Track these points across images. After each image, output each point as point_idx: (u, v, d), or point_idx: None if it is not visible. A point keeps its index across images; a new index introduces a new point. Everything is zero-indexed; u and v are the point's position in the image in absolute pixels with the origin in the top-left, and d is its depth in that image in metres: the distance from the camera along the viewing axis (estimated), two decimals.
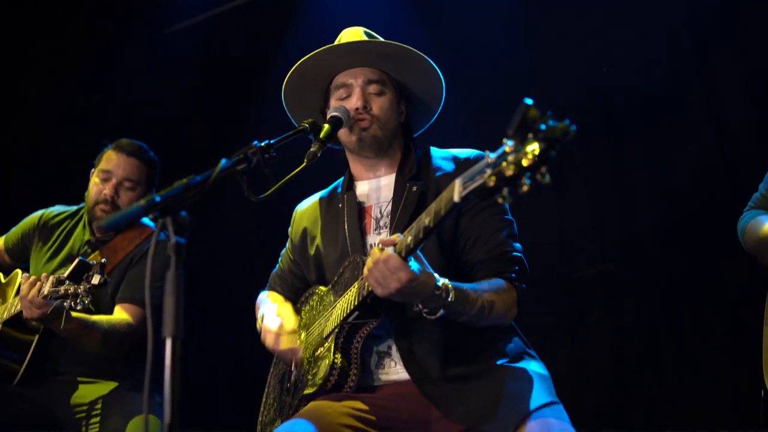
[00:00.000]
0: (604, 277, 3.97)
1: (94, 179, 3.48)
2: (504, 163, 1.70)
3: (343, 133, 2.60)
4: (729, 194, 3.55)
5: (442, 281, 2.22)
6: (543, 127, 1.63)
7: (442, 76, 2.69)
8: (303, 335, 2.66)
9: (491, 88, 4.20)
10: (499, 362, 2.42)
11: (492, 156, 1.75)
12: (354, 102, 2.59)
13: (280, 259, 2.91)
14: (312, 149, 2.41)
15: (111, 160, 3.45)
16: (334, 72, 2.67)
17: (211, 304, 4.72)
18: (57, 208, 3.64)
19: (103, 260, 2.83)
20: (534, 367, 2.45)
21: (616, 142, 4.04)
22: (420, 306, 2.27)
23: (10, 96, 5.30)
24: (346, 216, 2.62)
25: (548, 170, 1.65)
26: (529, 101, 1.65)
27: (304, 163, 2.38)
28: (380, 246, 2.19)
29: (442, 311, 2.26)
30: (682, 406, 3.71)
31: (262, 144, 2.14)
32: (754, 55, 3.74)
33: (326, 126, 2.47)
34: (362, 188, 2.69)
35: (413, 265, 2.16)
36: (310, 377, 2.50)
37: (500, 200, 1.74)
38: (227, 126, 4.95)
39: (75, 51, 5.21)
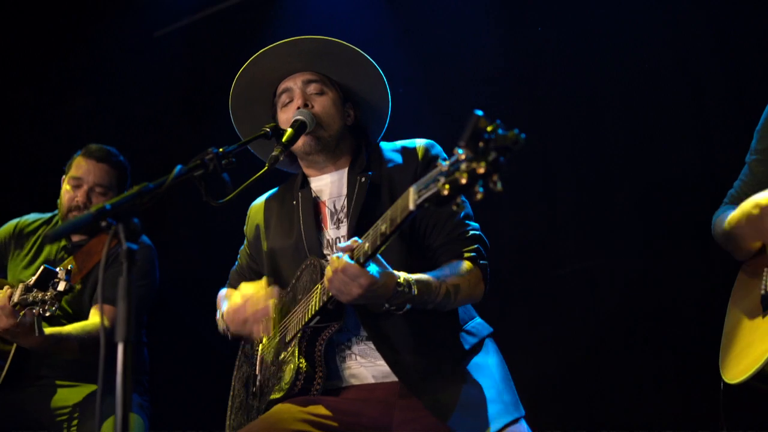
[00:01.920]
0: (583, 275, 3.98)
1: (66, 186, 3.50)
2: (457, 172, 1.74)
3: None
4: (709, 193, 3.55)
5: (402, 277, 2.28)
6: (493, 136, 1.67)
7: (382, 73, 2.69)
8: (264, 339, 2.69)
9: (474, 92, 4.20)
10: (463, 357, 2.50)
11: (444, 164, 1.79)
12: (295, 102, 2.62)
13: (238, 256, 2.95)
14: (274, 153, 2.43)
15: (81, 166, 3.48)
16: (276, 83, 2.70)
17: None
18: (32, 216, 3.67)
19: (69, 266, 2.84)
20: (494, 360, 2.55)
21: (597, 140, 4.04)
22: (387, 305, 2.32)
23: None
24: (302, 212, 2.65)
25: (500, 178, 1.70)
26: (479, 112, 1.70)
27: (266, 167, 2.41)
28: (337, 255, 2.22)
29: (408, 305, 2.32)
30: (660, 403, 3.72)
31: (219, 150, 2.16)
32: (737, 53, 3.74)
33: (290, 130, 2.49)
34: (316, 184, 2.72)
35: (372, 268, 2.19)
36: (276, 381, 2.53)
37: (455, 208, 1.80)
38: (214, 128, 4.94)
39: (61, 55, 5.22)
